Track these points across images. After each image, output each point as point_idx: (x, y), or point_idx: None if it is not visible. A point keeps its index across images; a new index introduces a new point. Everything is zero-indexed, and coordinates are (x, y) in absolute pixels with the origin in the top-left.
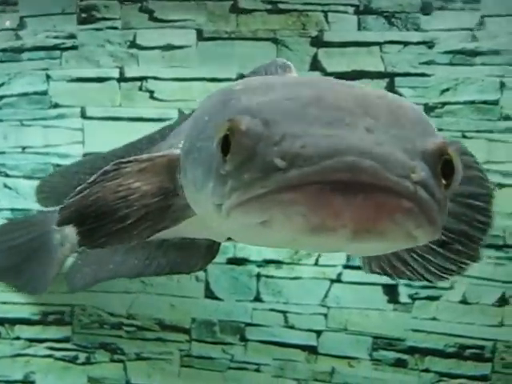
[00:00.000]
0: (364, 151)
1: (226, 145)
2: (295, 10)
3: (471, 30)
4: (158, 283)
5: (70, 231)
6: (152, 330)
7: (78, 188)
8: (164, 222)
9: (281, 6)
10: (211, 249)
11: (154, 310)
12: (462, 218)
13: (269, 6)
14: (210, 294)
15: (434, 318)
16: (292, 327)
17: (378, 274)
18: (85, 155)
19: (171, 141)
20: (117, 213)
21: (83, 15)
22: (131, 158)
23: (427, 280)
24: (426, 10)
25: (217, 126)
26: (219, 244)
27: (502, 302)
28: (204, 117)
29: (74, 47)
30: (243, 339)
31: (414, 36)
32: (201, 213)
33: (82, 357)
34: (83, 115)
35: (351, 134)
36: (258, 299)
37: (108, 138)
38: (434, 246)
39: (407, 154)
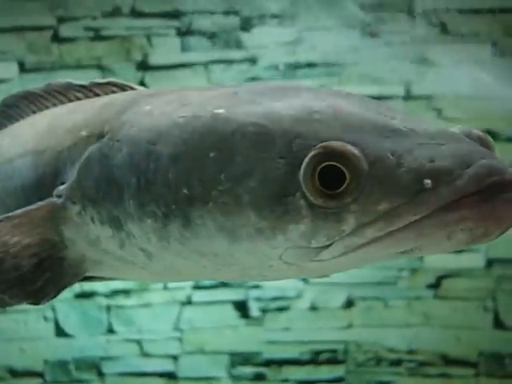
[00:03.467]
0: (479, 152)
1: (327, 177)
2: (118, 36)
3: (290, 44)
4: (4, 328)
5: None
6: (3, 378)
7: None
8: (66, 277)
9: (103, 32)
10: None
11: (2, 356)
12: None
13: (91, 34)
14: (60, 333)
15: (286, 328)
16: (148, 355)
17: None
18: None
19: None
20: (3, 263)
21: None
22: None
23: None
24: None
25: (276, 159)
26: None
27: (349, 304)
28: (207, 153)
29: None
30: (100, 374)
31: (237, 54)
32: (221, 265)
33: None
34: None
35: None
36: (110, 331)
37: None
38: None
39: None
